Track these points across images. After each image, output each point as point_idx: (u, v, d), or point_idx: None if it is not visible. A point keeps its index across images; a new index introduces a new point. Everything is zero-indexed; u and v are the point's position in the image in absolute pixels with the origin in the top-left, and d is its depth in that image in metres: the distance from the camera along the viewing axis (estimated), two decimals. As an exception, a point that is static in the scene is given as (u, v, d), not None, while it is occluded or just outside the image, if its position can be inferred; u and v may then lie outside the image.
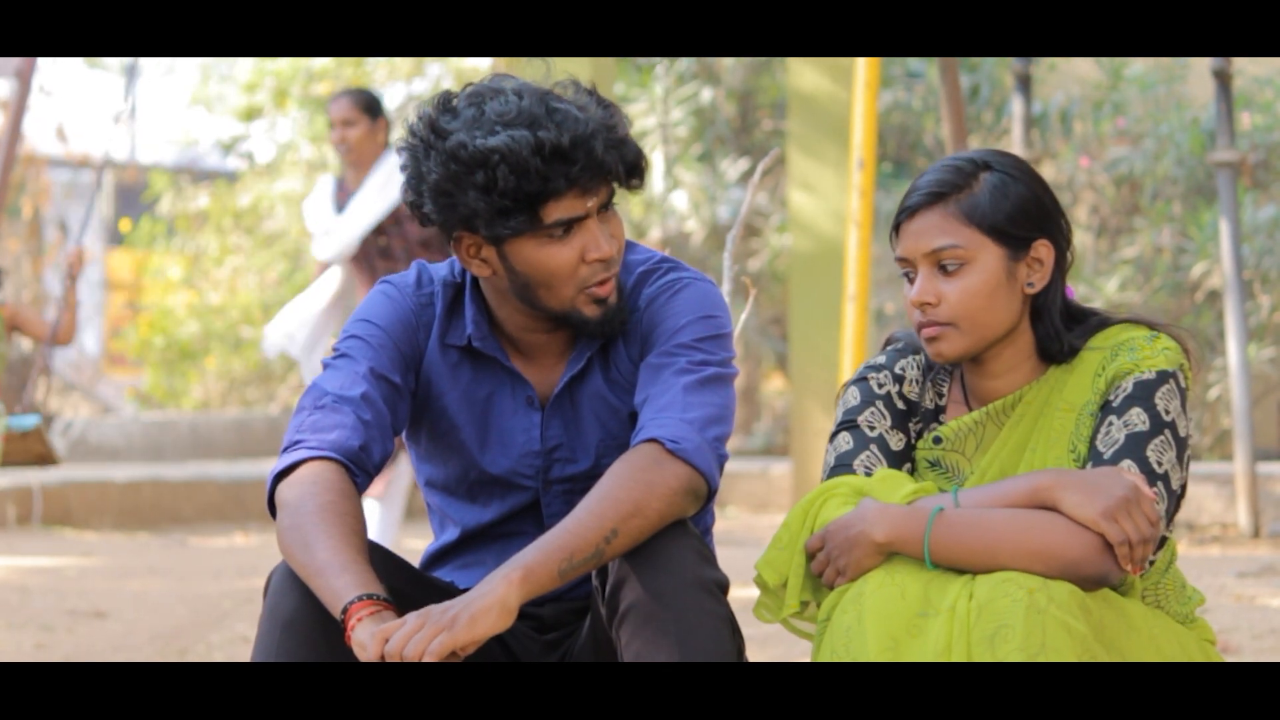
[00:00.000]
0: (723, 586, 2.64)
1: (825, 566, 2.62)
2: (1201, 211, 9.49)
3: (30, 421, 6.19)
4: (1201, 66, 9.00)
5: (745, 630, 2.74)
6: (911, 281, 2.71)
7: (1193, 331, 2.84)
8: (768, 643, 5.00)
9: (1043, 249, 2.70)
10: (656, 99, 11.80)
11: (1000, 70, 10.53)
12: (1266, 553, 7.29)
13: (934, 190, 2.68)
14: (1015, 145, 7.80)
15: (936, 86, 9.17)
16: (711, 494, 2.70)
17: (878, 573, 2.57)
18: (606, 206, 2.74)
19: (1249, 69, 10.18)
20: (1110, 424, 2.65)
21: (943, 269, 2.68)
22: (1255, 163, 9.83)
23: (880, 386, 2.80)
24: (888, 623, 2.51)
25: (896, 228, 2.73)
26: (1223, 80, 7.74)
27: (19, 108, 6.15)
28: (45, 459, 6.40)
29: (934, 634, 2.49)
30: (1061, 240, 2.72)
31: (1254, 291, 9.34)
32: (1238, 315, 7.56)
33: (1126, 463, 2.61)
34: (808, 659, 2.64)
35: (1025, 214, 2.68)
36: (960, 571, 2.56)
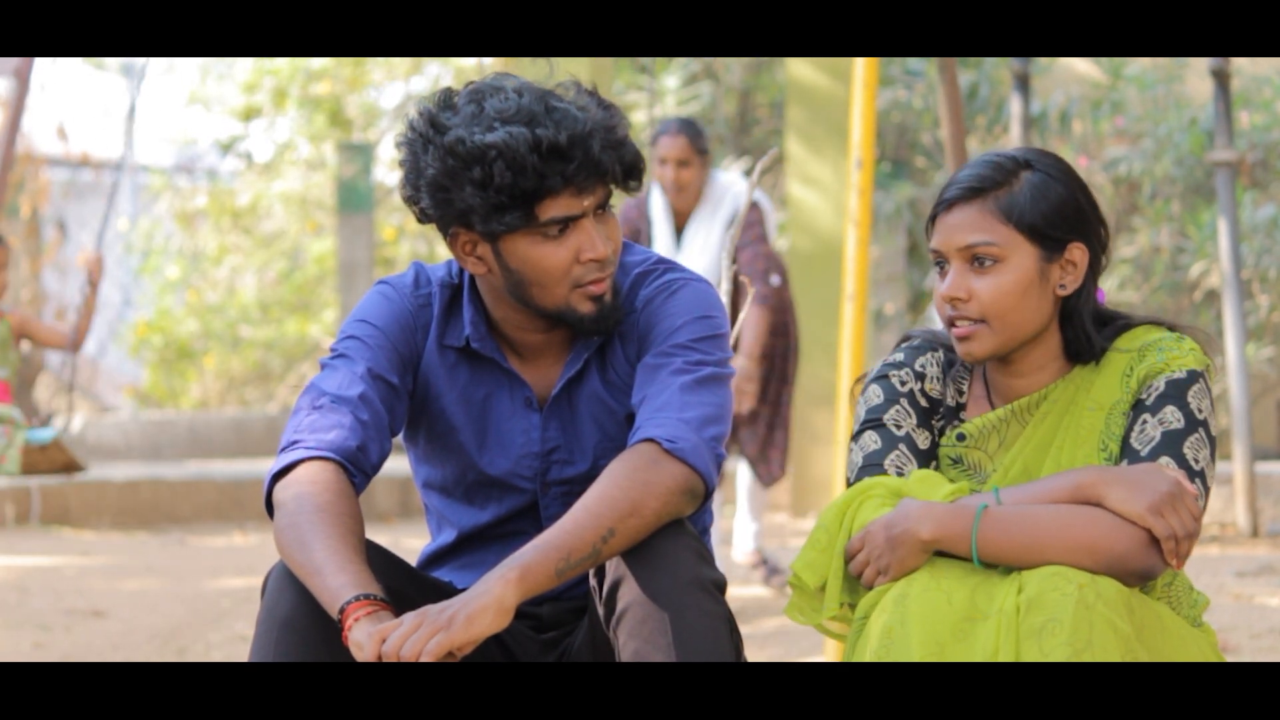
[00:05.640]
0: (720, 586, 2.63)
1: (865, 567, 2.61)
2: (1200, 211, 9.49)
3: (48, 434, 6.26)
4: (1200, 66, 9.00)
5: (744, 630, 2.74)
6: (944, 275, 2.71)
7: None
8: (767, 642, 4.99)
9: (1077, 251, 2.69)
10: (666, 91, 11.80)
11: (999, 70, 10.53)
12: (1265, 552, 7.28)
13: (973, 185, 2.68)
14: (1013, 145, 7.80)
15: (936, 85, 9.17)
16: (709, 493, 2.70)
17: (922, 575, 2.55)
18: (603, 207, 2.73)
19: (1247, 69, 10.18)
20: (1145, 422, 2.65)
21: (976, 264, 2.68)
22: (1254, 162, 9.83)
23: (903, 384, 2.78)
24: (933, 627, 2.50)
25: (933, 219, 2.73)
26: (1221, 80, 7.73)
27: (18, 107, 6.14)
28: (70, 467, 6.47)
29: (982, 638, 2.49)
30: (1096, 244, 2.72)
31: (1252, 291, 9.34)
32: (1236, 315, 7.55)
33: (1164, 459, 2.62)
34: (807, 659, 2.64)
35: (1062, 215, 2.68)
36: (1004, 573, 2.56)
